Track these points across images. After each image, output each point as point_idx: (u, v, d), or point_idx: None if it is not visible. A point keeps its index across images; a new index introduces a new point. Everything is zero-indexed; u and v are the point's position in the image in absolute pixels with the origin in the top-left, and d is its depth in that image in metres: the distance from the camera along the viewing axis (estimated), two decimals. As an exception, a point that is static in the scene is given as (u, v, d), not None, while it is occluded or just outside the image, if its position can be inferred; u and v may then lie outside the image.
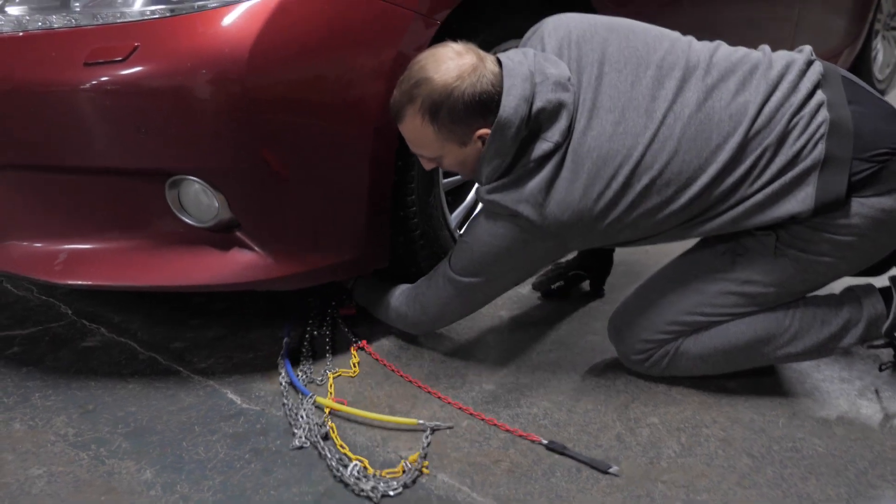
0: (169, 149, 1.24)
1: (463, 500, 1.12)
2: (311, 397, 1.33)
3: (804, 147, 1.19)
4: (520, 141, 1.22)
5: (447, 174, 1.62)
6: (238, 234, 1.34)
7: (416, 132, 1.24)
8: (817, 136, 1.19)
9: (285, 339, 1.52)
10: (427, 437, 1.24)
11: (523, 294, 1.75)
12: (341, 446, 1.22)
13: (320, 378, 1.42)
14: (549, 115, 1.20)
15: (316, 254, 1.39)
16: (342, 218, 1.40)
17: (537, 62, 1.22)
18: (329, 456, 1.19)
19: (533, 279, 1.76)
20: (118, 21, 1.22)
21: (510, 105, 1.19)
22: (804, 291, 1.32)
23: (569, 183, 1.20)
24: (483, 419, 1.30)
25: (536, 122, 1.21)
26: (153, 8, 1.21)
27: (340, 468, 1.16)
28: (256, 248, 1.34)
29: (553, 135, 1.20)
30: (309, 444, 1.23)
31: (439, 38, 1.35)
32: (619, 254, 1.81)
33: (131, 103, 1.20)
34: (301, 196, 1.33)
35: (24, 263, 1.36)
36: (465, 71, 1.19)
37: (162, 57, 1.19)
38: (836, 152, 1.19)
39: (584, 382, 1.41)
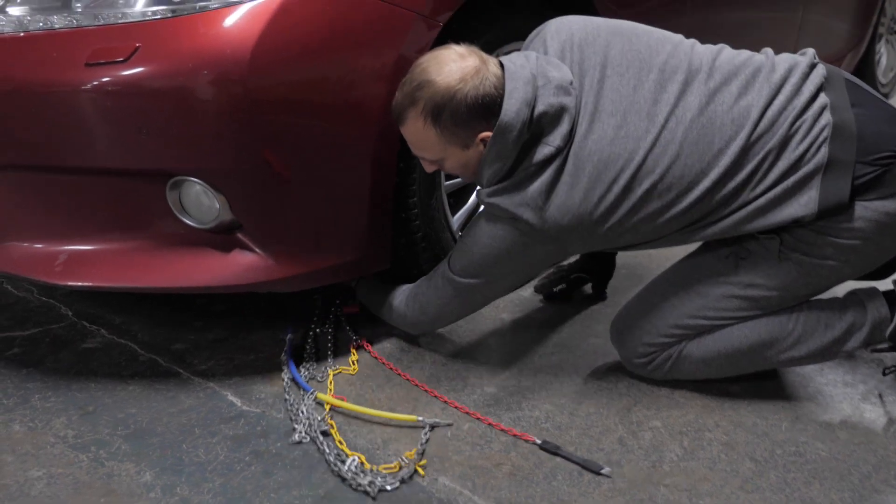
0: (170, 150, 1.24)
1: (464, 503, 1.11)
2: (311, 393, 1.34)
3: (807, 151, 1.19)
4: (521, 144, 1.21)
5: (449, 176, 1.62)
6: (239, 235, 1.33)
7: (418, 135, 1.24)
8: (820, 139, 1.19)
9: (289, 336, 1.53)
10: (426, 434, 1.24)
11: (525, 296, 1.75)
12: (340, 442, 1.23)
13: (321, 375, 1.43)
14: (551, 118, 1.20)
15: (317, 255, 1.39)
16: (343, 219, 1.39)
17: (540, 65, 1.22)
18: (327, 451, 1.20)
19: (535, 282, 1.75)
20: (119, 22, 1.22)
21: (512, 109, 1.18)
22: (807, 295, 1.31)
23: (569, 187, 1.20)
24: (486, 421, 1.29)
25: (538, 125, 1.20)
26: (154, 9, 1.21)
27: (338, 463, 1.17)
28: (257, 250, 1.34)
29: (555, 139, 1.20)
30: (308, 438, 1.24)
31: (441, 39, 1.35)
32: (622, 257, 1.80)
33: (132, 104, 1.20)
34: (302, 197, 1.33)
35: (25, 264, 1.36)
36: (468, 73, 1.19)
37: (163, 58, 1.19)
38: (839, 156, 1.18)
39: (587, 385, 1.41)
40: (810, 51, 1.28)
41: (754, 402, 1.34)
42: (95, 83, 1.19)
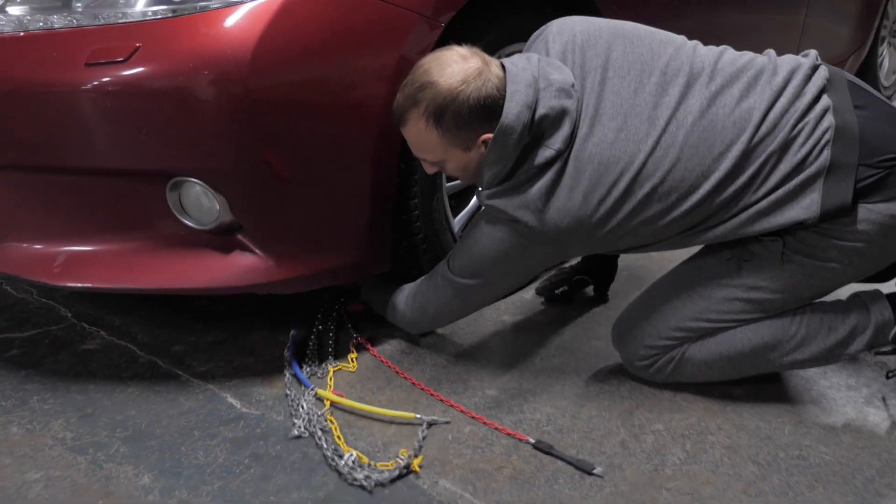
0: (170, 150, 1.23)
1: (465, 507, 1.11)
2: (312, 389, 1.35)
3: (809, 154, 1.18)
4: (521, 147, 1.21)
5: (451, 177, 1.61)
6: (239, 236, 1.33)
7: (420, 136, 1.24)
8: (822, 142, 1.18)
9: (292, 333, 1.54)
10: (423, 432, 1.25)
11: (527, 299, 1.74)
12: (338, 437, 1.24)
13: (321, 372, 1.44)
14: (552, 121, 1.19)
15: (317, 257, 1.39)
16: (344, 221, 1.39)
17: (541, 67, 1.22)
18: (325, 446, 1.21)
19: (537, 284, 1.75)
20: (120, 21, 1.21)
21: (512, 112, 1.18)
22: (811, 298, 1.31)
23: (569, 190, 1.19)
24: (489, 424, 1.28)
25: (539, 128, 1.20)
26: (155, 8, 1.21)
27: (336, 458, 1.18)
28: (257, 251, 1.33)
29: (555, 142, 1.19)
30: (308, 433, 1.25)
31: (444, 40, 1.34)
32: (624, 259, 1.80)
33: (132, 104, 1.20)
34: (303, 198, 1.32)
35: (24, 265, 1.36)
36: (471, 75, 1.18)
37: (164, 57, 1.18)
38: (841, 158, 1.17)
39: (588, 388, 1.40)
40: (813, 52, 1.28)
41: (757, 406, 1.34)
42: (95, 83, 1.19)
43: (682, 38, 1.30)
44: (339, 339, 1.55)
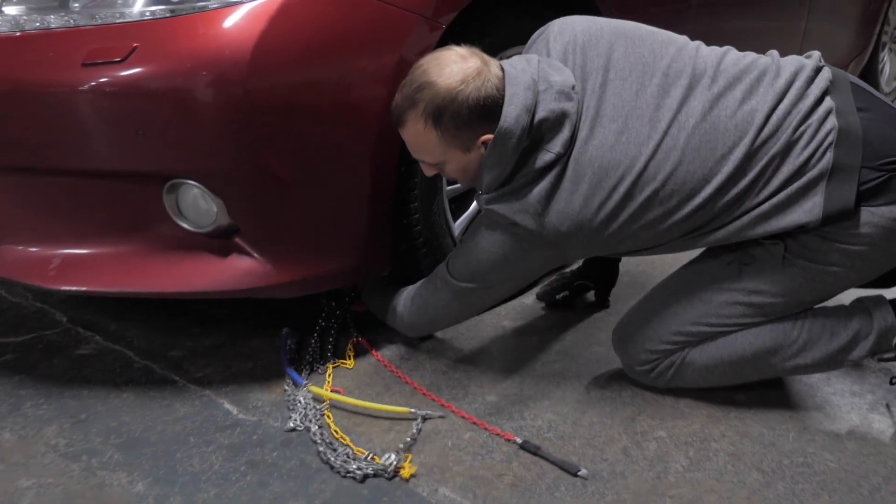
0: (168, 151, 1.22)
1: (465, 514, 1.09)
2: (304, 385, 1.36)
3: (811, 156, 1.17)
4: (521, 150, 1.20)
5: (451, 181, 1.60)
6: (237, 239, 1.32)
7: (419, 137, 1.22)
8: (825, 144, 1.17)
9: (285, 331, 1.54)
10: (418, 425, 1.25)
11: (527, 304, 1.73)
12: (335, 431, 1.25)
13: (321, 369, 1.45)
14: (552, 125, 1.18)
15: (316, 261, 1.37)
16: (343, 224, 1.38)
17: (541, 69, 1.20)
18: (318, 441, 1.22)
19: (537, 289, 1.73)
20: (117, 21, 1.20)
21: (511, 115, 1.17)
22: (812, 302, 1.29)
23: (569, 193, 1.18)
24: (490, 430, 1.27)
25: (539, 131, 1.19)
26: (153, 8, 1.20)
27: (329, 451, 1.19)
28: (255, 255, 1.32)
29: (555, 145, 1.18)
30: (303, 427, 1.27)
31: (444, 42, 1.33)
32: (625, 264, 1.79)
33: (130, 105, 1.19)
34: (301, 201, 1.31)
35: (19, 268, 1.34)
36: (470, 75, 1.17)
37: (161, 58, 1.17)
38: (844, 161, 1.16)
39: (590, 394, 1.38)
40: (816, 53, 1.27)
41: (760, 412, 1.32)
42: (92, 83, 1.18)
43: (684, 39, 1.30)
44: (339, 340, 1.55)
